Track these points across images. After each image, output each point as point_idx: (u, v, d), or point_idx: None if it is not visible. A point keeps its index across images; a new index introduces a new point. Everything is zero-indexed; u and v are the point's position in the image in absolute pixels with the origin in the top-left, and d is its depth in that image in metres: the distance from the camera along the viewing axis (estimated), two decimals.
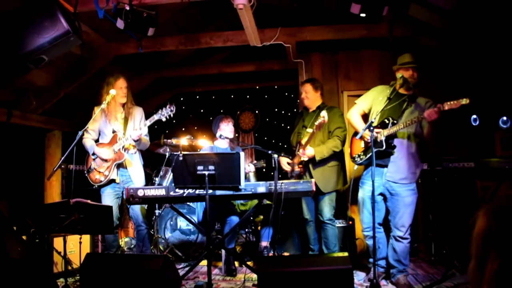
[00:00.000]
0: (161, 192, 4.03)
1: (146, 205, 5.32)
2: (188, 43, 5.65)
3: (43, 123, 6.01)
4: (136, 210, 4.70)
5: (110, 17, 4.13)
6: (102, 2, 4.03)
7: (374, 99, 4.29)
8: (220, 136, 4.95)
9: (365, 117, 4.37)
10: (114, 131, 4.65)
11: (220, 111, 8.40)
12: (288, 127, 7.99)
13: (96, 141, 4.73)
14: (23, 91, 5.43)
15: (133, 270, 3.38)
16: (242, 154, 3.73)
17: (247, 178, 5.56)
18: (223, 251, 4.94)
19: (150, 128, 4.70)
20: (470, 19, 4.33)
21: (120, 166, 4.64)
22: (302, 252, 5.31)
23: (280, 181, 3.95)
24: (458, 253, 4.67)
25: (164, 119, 4.43)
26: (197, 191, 3.97)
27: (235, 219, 4.92)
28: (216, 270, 5.05)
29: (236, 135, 8.27)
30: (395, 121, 4.00)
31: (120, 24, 4.13)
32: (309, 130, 4.66)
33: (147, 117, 4.75)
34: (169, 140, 5.70)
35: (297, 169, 4.79)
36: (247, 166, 5.15)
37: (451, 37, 4.95)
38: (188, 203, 5.65)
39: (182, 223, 5.80)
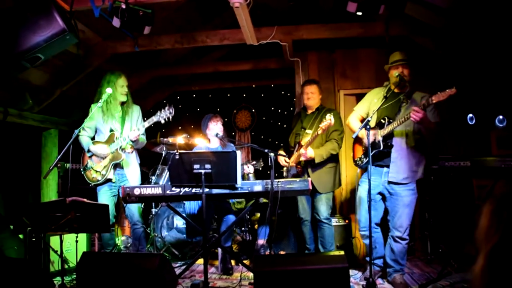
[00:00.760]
0: (158, 190, 4.03)
1: (142, 204, 5.32)
2: (184, 41, 5.65)
3: (40, 122, 6.00)
4: (131, 208, 4.69)
5: (106, 15, 4.11)
6: (98, 0, 4.02)
7: (371, 103, 4.31)
8: (217, 134, 4.95)
9: None
10: (111, 130, 4.63)
11: (216, 110, 8.41)
12: (285, 125, 7.99)
13: (92, 138, 4.72)
14: (19, 90, 5.41)
15: (130, 269, 3.38)
16: (238, 152, 3.73)
17: (246, 179, 5.56)
18: (219, 250, 4.94)
19: (147, 127, 4.70)
20: (466, 17, 4.33)
21: (117, 165, 4.63)
22: (299, 251, 5.32)
23: (277, 180, 3.96)
24: (454, 251, 4.69)
25: (163, 121, 4.43)
26: (193, 190, 3.97)
27: (231, 217, 4.93)
28: (212, 269, 5.05)
29: (233, 133, 8.32)
30: (391, 120, 4.00)
31: (116, 22, 4.11)
32: (309, 131, 4.69)
33: (144, 116, 4.73)
34: (165, 139, 5.69)
35: (295, 168, 4.81)
36: (246, 167, 5.15)
37: (447, 36, 4.96)
38: (184, 202, 5.64)
39: (178, 221, 5.81)
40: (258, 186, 4.01)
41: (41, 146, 6.38)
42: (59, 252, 4.17)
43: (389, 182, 4.08)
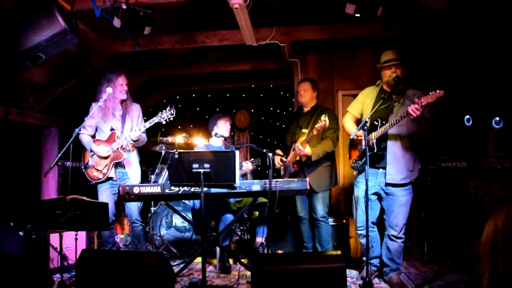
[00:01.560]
0: (157, 189, 4.05)
1: (142, 203, 5.34)
2: (184, 41, 5.69)
3: (40, 120, 6.03)
4: (131, 207, 4.72)
5: (107, 15, 4.15)
6: (99, 0, 4.05)
7: (363, 103, 4.32)
8: (216, 134, 4.98)
9: (359, 122, 4.33)
10: (112, 129, 4.65)
11: (216, 110, 8.44)
12: (284, 126, 8.02)
13: (93, 136, 4.74)
14: (20, 88, 5.44)
15: (128, 266, 3.40)
16: (237, 152, 3.76)
17: (245, 177, 5.59)
18: (217, 249, 4.98)
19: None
20: (464, 19, 4.37)
21: (118, 164, 4.66)
22: (296, 249, 5.34)
23: (275, 180, 3.98)
24: (451, 252, 4.72)
25: (164, 122, 4.44)
26: (192, 189, 3.99)
27: (229, 216, 4.96)
28: (210, 267, 5.09)
29: (232, 133, 8.34)
30: (384, 122, 4.00)
31: (116, 22, 4.15)
32: (304, 130, 4.71)
33: (145, 116, 4.75)
34: (165, 138, 5.71)
35: (292, 167, 4.83)
36: (245, 164, 5.18)
37: (445, 37, 4.99)
38: (183, 201, 5.67)
39: (177, 220, 5.83)
40: (256, 186, 4.03)
41: (41, 144, 6.40)
42: (58, 250, 4.19)
43: (387, 184, 4.08)
